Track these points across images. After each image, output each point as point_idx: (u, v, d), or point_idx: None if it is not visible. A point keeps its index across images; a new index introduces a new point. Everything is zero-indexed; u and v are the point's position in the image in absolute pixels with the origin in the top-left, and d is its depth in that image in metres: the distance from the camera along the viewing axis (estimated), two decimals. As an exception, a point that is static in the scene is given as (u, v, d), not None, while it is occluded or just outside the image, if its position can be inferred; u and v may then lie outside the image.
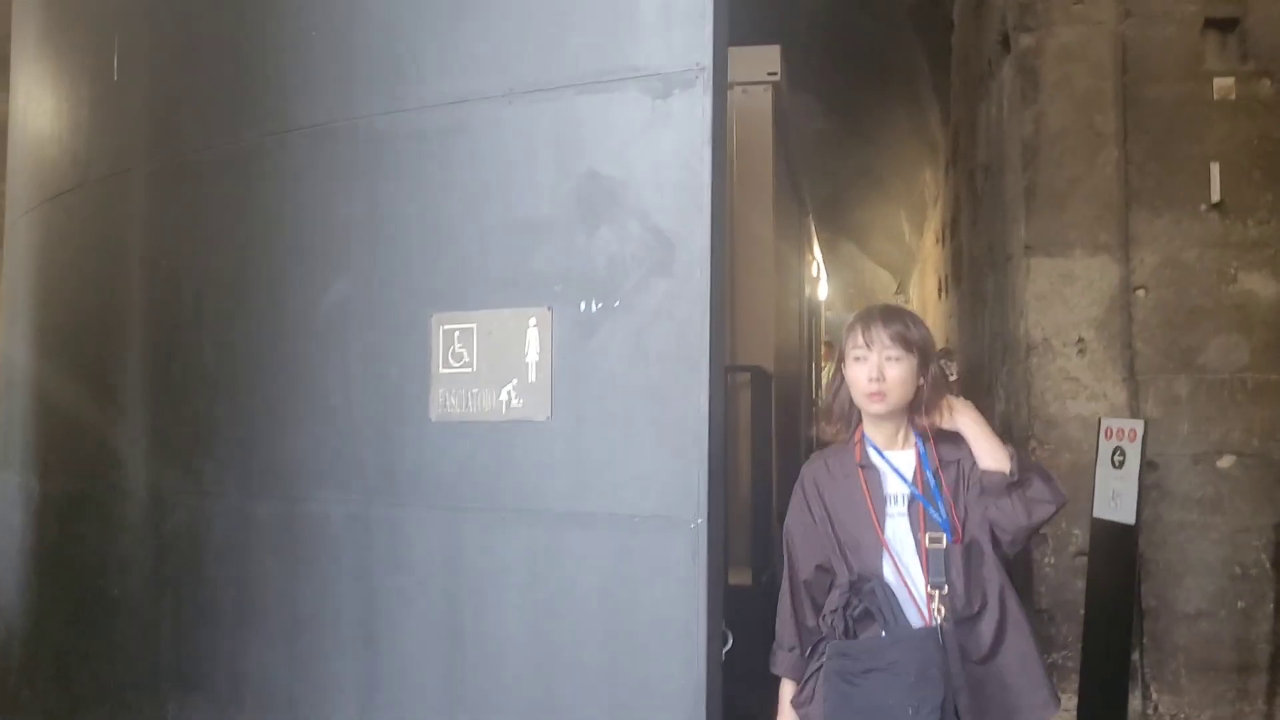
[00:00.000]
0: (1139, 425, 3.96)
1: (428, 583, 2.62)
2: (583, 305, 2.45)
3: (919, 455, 2.44)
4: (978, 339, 6.00)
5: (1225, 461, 4.21)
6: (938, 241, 9.17)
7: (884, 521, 2.41)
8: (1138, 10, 4.36)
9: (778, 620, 2.57)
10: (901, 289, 14.96)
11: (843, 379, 2.51)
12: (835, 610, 2.42)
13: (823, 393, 2.64)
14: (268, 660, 2.85)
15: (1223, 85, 4.29)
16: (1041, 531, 4.23)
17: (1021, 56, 4.47)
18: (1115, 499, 3.94)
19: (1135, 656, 4.14)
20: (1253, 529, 4.18)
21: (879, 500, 2.43)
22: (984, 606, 2.35)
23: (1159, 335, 4.28)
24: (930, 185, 9.68)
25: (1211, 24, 4.32)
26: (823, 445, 2.65)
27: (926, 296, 10.74)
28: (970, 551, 2.36)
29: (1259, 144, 4.26)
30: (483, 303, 2.56)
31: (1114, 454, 3.97)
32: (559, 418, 2.47)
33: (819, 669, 2.45)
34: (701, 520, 2.32)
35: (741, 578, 4.44)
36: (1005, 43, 4.78)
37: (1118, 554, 3.96)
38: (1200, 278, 4.26)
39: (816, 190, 10.52)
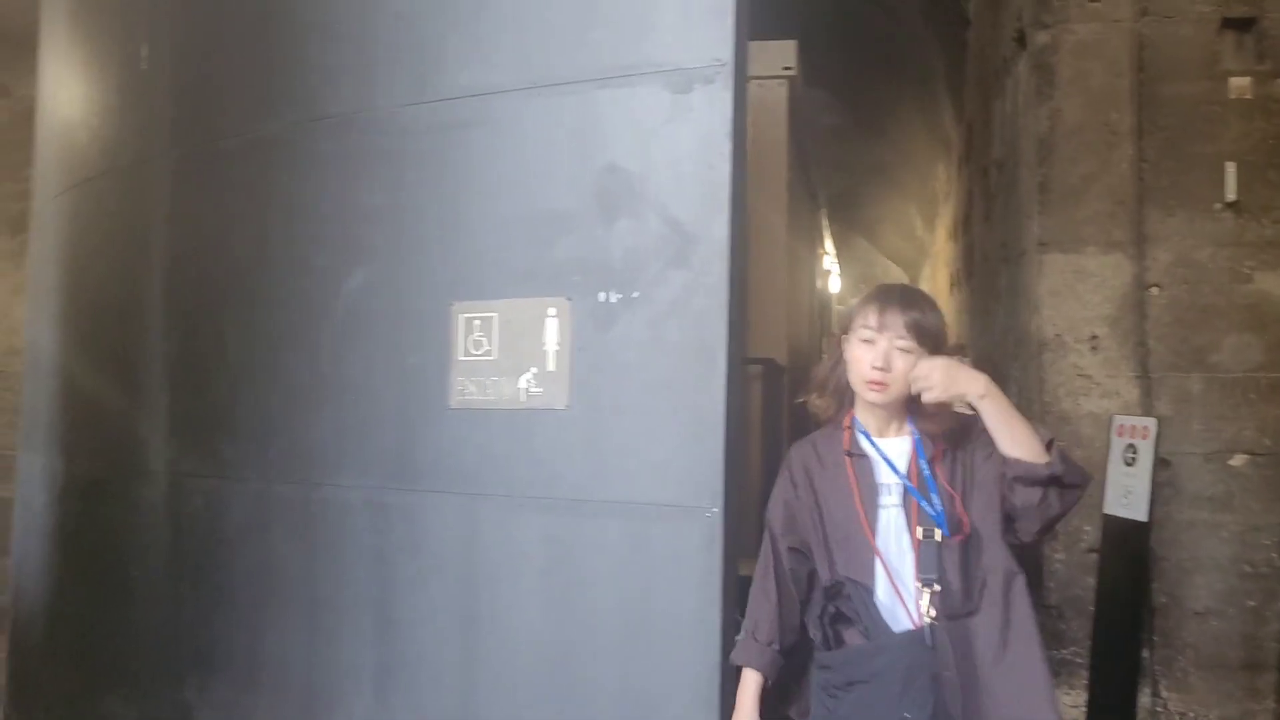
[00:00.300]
0: (1151, 423, 3.97)
1: (445, 568, 2.66)
2: (601, 296, 2.48)
3: (914, 444, 2.22)
4: (990, 335, 6.00)
5: (1237, 460, 4.22)
6: (950, 237, 9.16)
7: (874, 514, 2.20)
8: (1155, 8, 4.35)
9: (750, 609, 2.34)
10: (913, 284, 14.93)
11: (842, 355, 2.29)
12: (813, 619, 2.24)
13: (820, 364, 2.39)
14: (286, 643, 2.90)
15: (1239, 85, 4.28)
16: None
17: (1037, 53, 4.47)
18: (1127, 496, 3.96)
19: (1145, 653, 4.16)
20: (1263, 528, 4.18)
21: (869, 491, 2.22)
22: (983, 604, 2.12)
23: (1172, 333, 4.28)
24: (943, 181, 9.67)
25: (1228, 23, 4.31)
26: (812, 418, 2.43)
27: (938, 292, 10.72)
28: (969, 545, 2.15)
29: (1274, 144, 4.25)
30: (502, 292, 2.60)
31: (1126, 451, 3.99)
32: (577, 406, 2.50)
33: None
34: (717, 509, 2.35)
35: (750, 569, 4.45)
36: (1021, 39, 4.78)
37: (1129, 551, 3.98)
38: (1214, 276, 4.26)
39: (829, 185, 10.53)
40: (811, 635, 2.25)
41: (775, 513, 2.33)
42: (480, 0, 2.69)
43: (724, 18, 2.40)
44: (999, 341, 5.58)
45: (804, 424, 2.63)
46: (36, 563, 3.91)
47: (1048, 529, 2.18)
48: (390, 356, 2.74)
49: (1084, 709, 4.10)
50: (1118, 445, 4.04)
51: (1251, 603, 4.20)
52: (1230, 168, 4.23)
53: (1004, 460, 2.10)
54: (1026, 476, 2.08)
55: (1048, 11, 4.44)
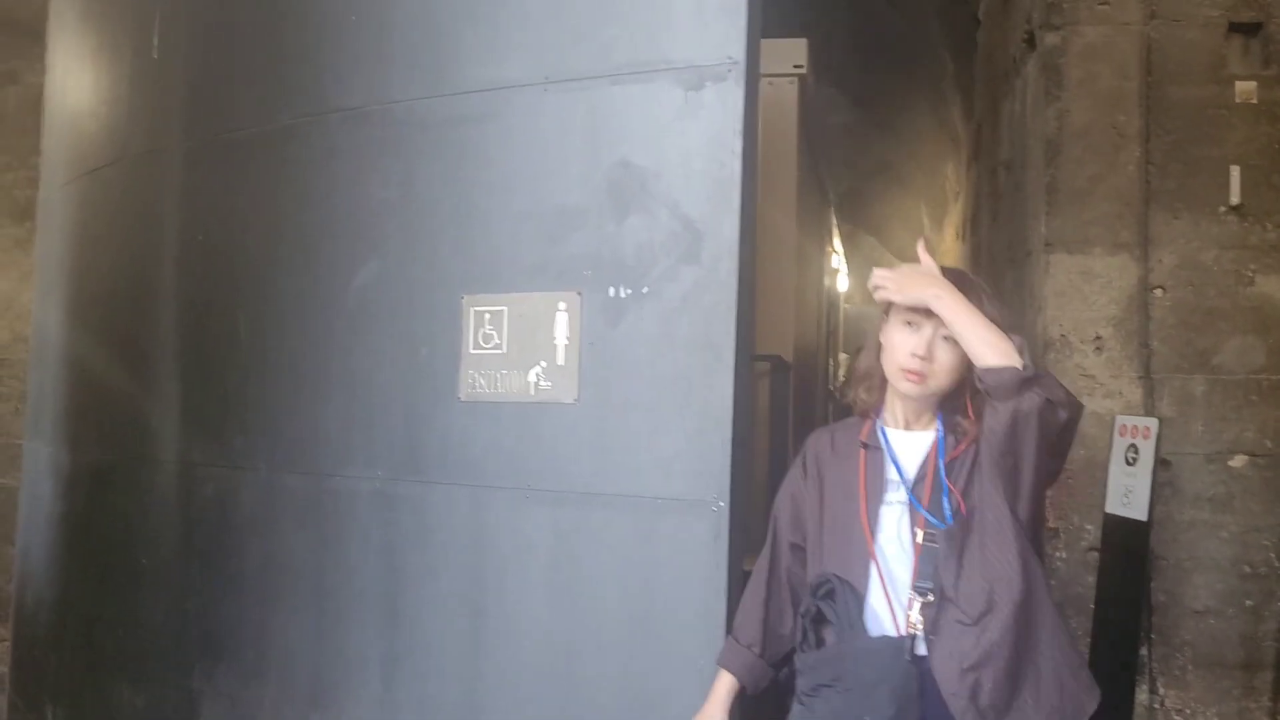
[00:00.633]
0: (1153, 423, 3.99)
1: (452, 559, 2.68)
2: (611, 291, 2.50)
3: (937, 439, 2.02)
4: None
5: (1238, 461, 4.23)
6: (958, 236, 9.16)
7: (877, 510, 2.03)
8: (1163, 12, 4.37)
9: (740, 609, 2.24)
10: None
11: (880, 344, 2.06)
12: (798, 617, 2.09)
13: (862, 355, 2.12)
14: (293, 632, 2.91)
15: (1245, 89, 4.29)
16: (1053, 526, 4.29)
17: (1046, 54, 4.48)
18: (1128, 495, 3.98)
19: (1143, 651, 4.19)
20: (1263, 528, 4.20)
21: (875, 485, 2.04)
22: (989, 613, 1.90)
23: (1175, 335, 4.30)
24: (952, 180, 9.68)
25: (1235, 28, 4.32)
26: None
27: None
28: (971, 537, 1.94)
29: (1279, 148, 4.27)
30: (513, 286, 2.61)
31: (1128, 451, 4.00)
32: (586, 400, 2.52)
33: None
34: (724, 504, 2.37)
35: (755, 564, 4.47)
36: (1030, 40, 4.79)
37: (1129, 550, 4.00)
38: (1218, 279, 4.27)
39: (838, 183, 10.53)
40: (795, 636, 2.10)
41: (782, 507, 2.21)
42: (495, -5, 2.70)
43: (737, 16, 2.42)
44: (1003, 341, 5.58)
45: (809, 422, 2.62)
46: (42, 551, 3.93)
47: (1052, 452, 1.93)
48: (401, 349, 2.76)
49: (1083, 707, 4.12)
50: (1120, 445, 4.06)
51: (1250, 602, 4.22)
52: (1235, 171, 4.24)
53: (978, 377, 1.88)
54: (999, 387, 1.84)
55: (1057, 13, 4.45)
